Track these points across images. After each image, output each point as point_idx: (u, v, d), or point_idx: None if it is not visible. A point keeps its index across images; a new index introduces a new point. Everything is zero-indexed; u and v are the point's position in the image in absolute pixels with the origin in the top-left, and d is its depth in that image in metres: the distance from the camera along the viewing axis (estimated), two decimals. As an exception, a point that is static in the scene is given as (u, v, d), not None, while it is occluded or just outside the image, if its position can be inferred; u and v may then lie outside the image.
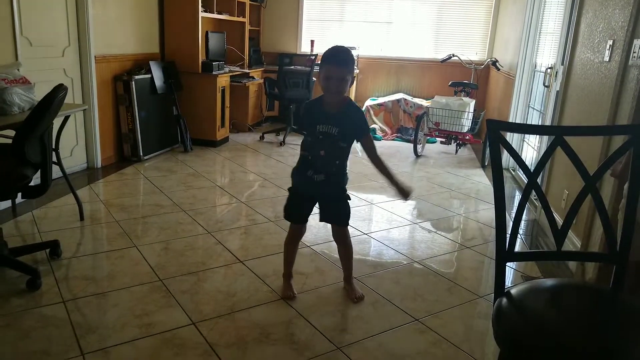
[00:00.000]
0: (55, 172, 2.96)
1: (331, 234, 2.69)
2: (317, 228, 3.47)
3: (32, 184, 2.64)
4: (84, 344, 2.14)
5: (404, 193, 2.42)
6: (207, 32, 5.89)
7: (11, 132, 2.54)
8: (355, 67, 2.63)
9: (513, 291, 1.57)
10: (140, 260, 2.94)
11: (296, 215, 2.61)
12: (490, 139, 1.56)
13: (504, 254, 1.59)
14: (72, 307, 2.43)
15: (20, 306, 2.40)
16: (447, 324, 2.46)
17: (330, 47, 2.39)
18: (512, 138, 5.42)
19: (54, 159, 3.09)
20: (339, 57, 2.33)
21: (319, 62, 2.43)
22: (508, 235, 1.59)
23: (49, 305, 2.43)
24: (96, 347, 2.13)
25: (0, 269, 2.72)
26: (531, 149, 5.17)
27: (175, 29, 5.70)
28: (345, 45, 2.43)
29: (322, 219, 2.62)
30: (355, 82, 7.41)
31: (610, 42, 2.98)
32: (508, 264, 2.78)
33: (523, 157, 5.20)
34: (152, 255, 3.02)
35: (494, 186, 1.58)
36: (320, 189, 2.50)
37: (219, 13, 6.27)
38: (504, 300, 1.53)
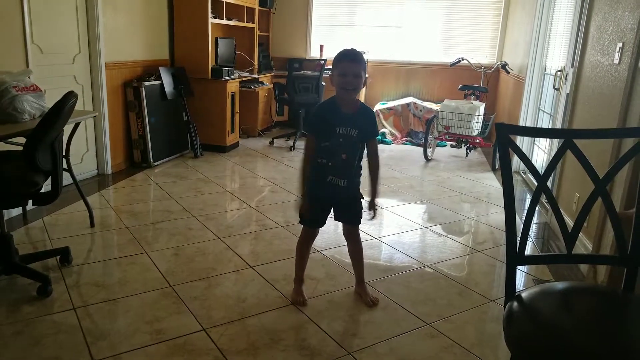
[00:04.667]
0: (66, 178, 2.98)
1: (342, 236, 2.70)
2: (327, 233, 3.47)
3: (42, 190, 2.66)
4: (94, 351, 2.15)
5: (374, 210, 2.52)
6: (216, 38, 5.91)
7: (22, 140, 2.55)
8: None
9: (524, 294, 1.56)
10: (151, 267, 2.95)
11: (314, 220, 2.60)
12: (499, 142, 1.56)
13: (514, 257, 1.58)
14: (83, 313, 2.44)
15: (31, 313, 2.42)
16: (458, 328, 2.45)
17: (341, 49, 2.41)
18: (522, 141, 5.38)
19: (65, 165, 3.12)
20: (353, 54, 2.36)
21: (330, 65, 2.45)
22: (518, 239, 1.58)
23: (60, 312, 2.44)
24: (107, 354, 2.13)
25: (11, 276, 2.74)
26: (542, 151, 5.13)
27: (184, 35, 5.73)
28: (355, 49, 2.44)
29: (337, 218, 2.63)
30: (365, 85, 7.40)
31: (619, 45, 2.96)
32: (519, 267, 2.75)
33: (533, 160, 5.18)
34: (162, 261, 3.03)
35: (503, 189, 1.57)
36: (342, 193, 2.49)
37: (228, 19, 6.30)
38: (515, 303, 1.52)
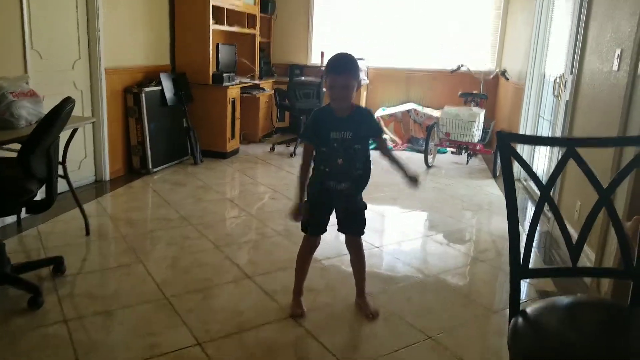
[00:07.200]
0: (63, 185, 2.93)
1: (342, 246, 2.65)
2: (327, 242, 3.40)
3: (37, 198, 2.61)
4: (86, 364, 2.10)
5: (414, 181, 2.42)
6: (217, 44, 5.88)
7: (18, 146, 2.51)
8: (363, 75, 2.62)
9: (529, 310, 1.51)
10: (146, 277, 2.89)
11: (315, 226, 2.54)
12: (501, 151, 1.51)
13: (518, 271, 1.53)
14: (75, 326, 2.37)
15: (20, 326, 2.35)
16: (461, 341, 2.39)
17: (332, 55, 2.37)
18: (522, 147, 5.34)
19: (61, 172, 3.07)
20: (340, 65, 2.32)
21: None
22: (522, 252, 1.53)
23: (50, 325, 2.37)
24: (99, 367, 2.08)
25: (2, 286, 2.65)
26: (542, 157, 5.08)
27: (186, 41, 5.71)
28: (354, 55, 2.40)
29: (340, 229, 2.57)
30: (365, 92, 7.37)
31: (618, 51, 2.92)
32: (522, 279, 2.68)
33: (534, 165, 5.12)
34: (158, 271, 2.97)
35: (507, 204, 1.52)
36: (344, 197, 2.44)
37: (230, 25, 6.28)
38: (520, 319, 1.47)
